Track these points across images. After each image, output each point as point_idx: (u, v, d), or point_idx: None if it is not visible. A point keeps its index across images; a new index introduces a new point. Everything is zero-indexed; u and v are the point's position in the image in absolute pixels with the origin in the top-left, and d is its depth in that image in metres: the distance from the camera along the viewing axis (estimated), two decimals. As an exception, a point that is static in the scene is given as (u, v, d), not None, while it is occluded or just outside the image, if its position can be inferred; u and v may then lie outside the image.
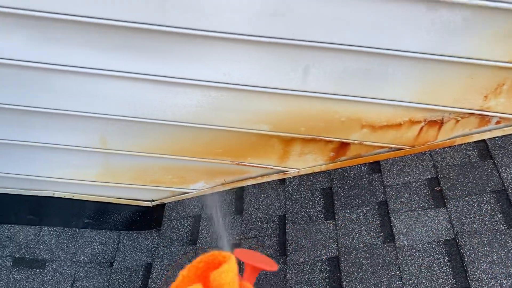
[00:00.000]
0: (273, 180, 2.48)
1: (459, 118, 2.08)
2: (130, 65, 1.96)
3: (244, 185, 2.52)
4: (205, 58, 1.89)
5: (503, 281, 1.70)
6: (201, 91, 2.03)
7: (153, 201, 2.70)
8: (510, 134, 2.08)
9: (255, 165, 2.44)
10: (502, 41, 1.76)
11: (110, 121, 2.24)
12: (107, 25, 1.78)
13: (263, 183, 2.49)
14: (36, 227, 2.68)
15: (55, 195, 2.70)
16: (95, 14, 1.75)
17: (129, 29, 1.79)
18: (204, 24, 1.74)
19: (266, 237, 2.25)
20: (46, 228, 2.68)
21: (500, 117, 2.06)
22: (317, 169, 2.40)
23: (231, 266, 1.12)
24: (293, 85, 1.97)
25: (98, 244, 2.62)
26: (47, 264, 2.55)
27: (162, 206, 2.67)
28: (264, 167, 2.45)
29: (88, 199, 2.71)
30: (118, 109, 2.17)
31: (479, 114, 2.06)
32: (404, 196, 2.09)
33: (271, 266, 1.45)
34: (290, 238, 2.19)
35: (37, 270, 2.53)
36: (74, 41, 1.86)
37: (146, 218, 2.67)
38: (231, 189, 2.54)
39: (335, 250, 2.06)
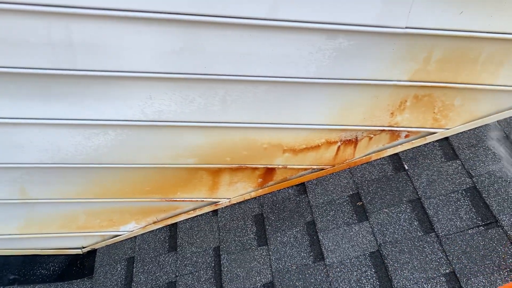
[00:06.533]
0: (206, 213, 2.48)
1: (372, 135, 2.21)
2: (45, 111, 1.91)
3: (177, 220, 2.50)
4: (121, 98, 1.89)
5: (424, 285, 1.80)
6: (122, 130, 2.02)
7: (83, 247, 2.59)
8: (418, 146, 2.24)
9: (186, 199, 2.43)
10: (399, 61, 1.91)
11: (28, 170, 2.16)
12: (17, 74, 1.74)
13: (196, 216, 2.48)
14: (-46, 291, 2.48)
15: (-25, 254, 2.53)
16: (4, 63, 1.71)
17: (40, 76, 1.76)
18: (114, 65, 1.75)
19: (202, 271, 2.23)
20: (-35, 291, 2.49)
21: (408, 131, 2.22)
22: (247, 197, 2.44)
23: None
24: (213, 117, 2.01)
25: (26, 301, 2.46)
26: (-31, 330, 2.36)
27: (93, 252, 2.57)
28: (195, 201, 2.45)
29: (13, 254, 2.56)
30: (36, 157, 2.10)
31: (389, 130, 2.21)
32: (330, 214, 2.17)
33: None
34: (225, 269, 2.19)
35: None
36: (-18, 91, 1.80)
37: (77, 266, 2.56)
38: (163, 226, 2.50)
39: (270, 275, 2.08)
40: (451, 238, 1.88)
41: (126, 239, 2.53)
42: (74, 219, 2.43)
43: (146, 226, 2.52)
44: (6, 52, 1.68)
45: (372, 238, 2.01)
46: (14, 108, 1.88)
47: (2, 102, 1.85)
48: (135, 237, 2.52)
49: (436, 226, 1.94)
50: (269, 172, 2.34)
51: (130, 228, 2.52)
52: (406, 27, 1.77)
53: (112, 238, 2.55)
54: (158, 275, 2.29)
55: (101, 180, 2.23)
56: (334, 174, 2.32)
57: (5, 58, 1.69)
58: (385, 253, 1.94)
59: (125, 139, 2.04)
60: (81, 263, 2.57)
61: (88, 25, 1.64)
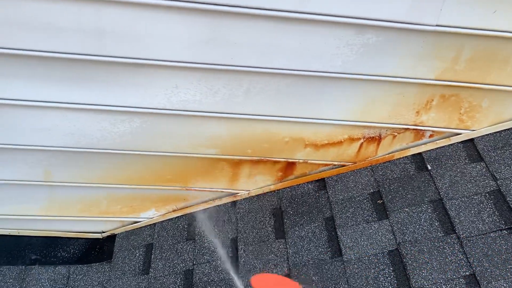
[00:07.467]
0: (225, 203, 2.50)
1: (396, 134, 2.19)
2: (73, 96, 1.95)
3: (196, 210, 2.52)
4: (148, 86, 1.91)
5: (443, 286, 1.78)
6: (147, 118, 2.05)
7: (103, 232, 2.64)
8: (442, 146, 2.21)
9: (206, 189, 2.45)
10: (427, 59, 1.89)
11: (54, 153, 2.20)
12: (46, 57, 1.77)
13: (215, 206, 2.50)
14: (-21, 268, 2.56)
15: (-1, 233, 2.60)
16: (35, 47, 1.74)
17: (69, 60, 1.79)
18: (143, 52, 1.77)
19: (219, 261, 2.25)
20: (-11, 268, 2.56)
21: (433, 131, 2.19)
22: (266, 190, 2.45)
23: None
24: (236, 108, 2.02)
25: (46, 281, 2.52)
26: (-9, 306, 2.43)
27: (112, 237, 2.62)
28: (214, 191, 2.47)
29: (35, 235, 2.63)
30: (61, 141, 2.14)
31: (413, 129, 2.18)
32: (349, 211, 2.16)
33: None
34: (242, 260, 2.20)
35: (-19, 314, 2.40)
36: (13, 74, 1.84)
37: (96, 250, 2.61)
38: (182, 215, 2.53)
39: (286, 269, 2.09)
40: (472, 240, 1.85)
41: (145, 225, 2.57)
42: (96, 203, 2.47)
43: (165, 214, 2.55)
44: (37, 36, 1.71)
45: (391, 237, 2.00)
46: (42, 92, 1.92)
47: (31, 85, 1.89)
48: (154, 224, 2.56)
49: (458, 227, 1.91)
50: (289, 166, 2.34)
51: (150, 215, 2.56)
52: (437, 25, 1.74)
53: (132, 224, 2.59)
54: (175, 263, 2.32)
55: (124, 167, 2.27)
56: (355, 171, 2.31)
57: (35, 42, 1.73)
58: (404, 252, 1.92)
59: (149, 127, 2.06)
60: (100, 247, 2.62)
61: (118, 12, 1.66)
